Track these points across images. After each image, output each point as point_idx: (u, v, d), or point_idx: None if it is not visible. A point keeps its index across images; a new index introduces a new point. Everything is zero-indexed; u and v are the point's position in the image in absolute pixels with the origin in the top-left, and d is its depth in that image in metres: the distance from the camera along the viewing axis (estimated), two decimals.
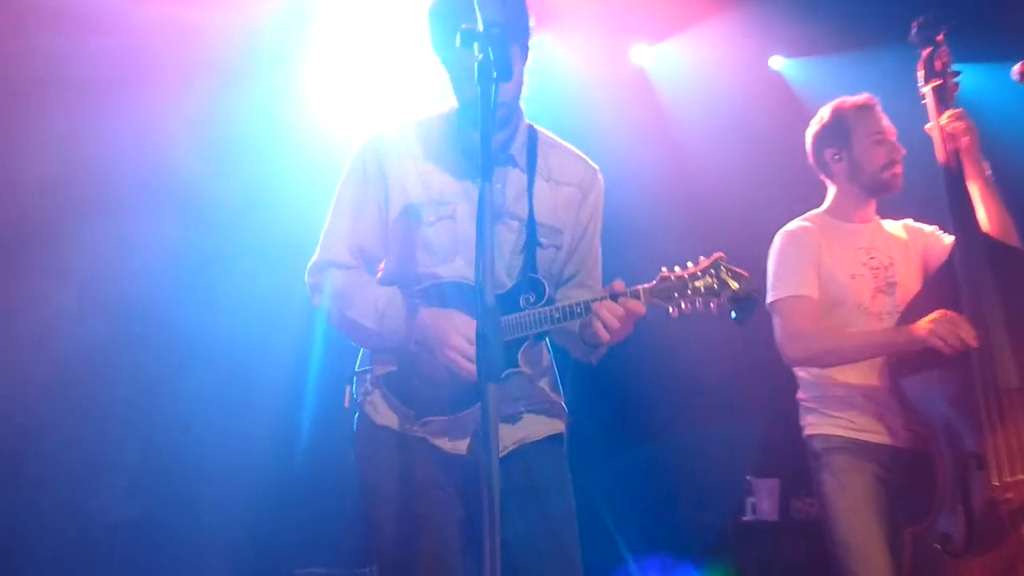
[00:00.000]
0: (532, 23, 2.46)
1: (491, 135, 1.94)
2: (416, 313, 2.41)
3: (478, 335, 1.90)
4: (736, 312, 2.36)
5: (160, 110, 3.78)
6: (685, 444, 5.03)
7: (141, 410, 3.86)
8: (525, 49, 2.45)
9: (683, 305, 2.36)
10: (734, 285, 2.35)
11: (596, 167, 2.65)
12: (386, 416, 2.51)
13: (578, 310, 2.37)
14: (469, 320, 2.36)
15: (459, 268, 2.44)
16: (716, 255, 2.40)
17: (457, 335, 2.34)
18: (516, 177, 2.52)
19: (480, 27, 1.95)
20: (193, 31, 3.83)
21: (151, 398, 3.88)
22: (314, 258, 2.58)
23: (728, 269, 2.37)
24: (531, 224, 2.49)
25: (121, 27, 3.74)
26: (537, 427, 2.57)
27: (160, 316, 3.84)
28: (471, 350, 2.32)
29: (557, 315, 2.38)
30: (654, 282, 2.38)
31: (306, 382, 4.10)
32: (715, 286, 2.36)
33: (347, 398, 2.56)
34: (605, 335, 2.34)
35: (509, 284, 2.46)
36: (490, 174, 1.93)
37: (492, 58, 1.92)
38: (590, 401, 4.14)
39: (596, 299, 2.37)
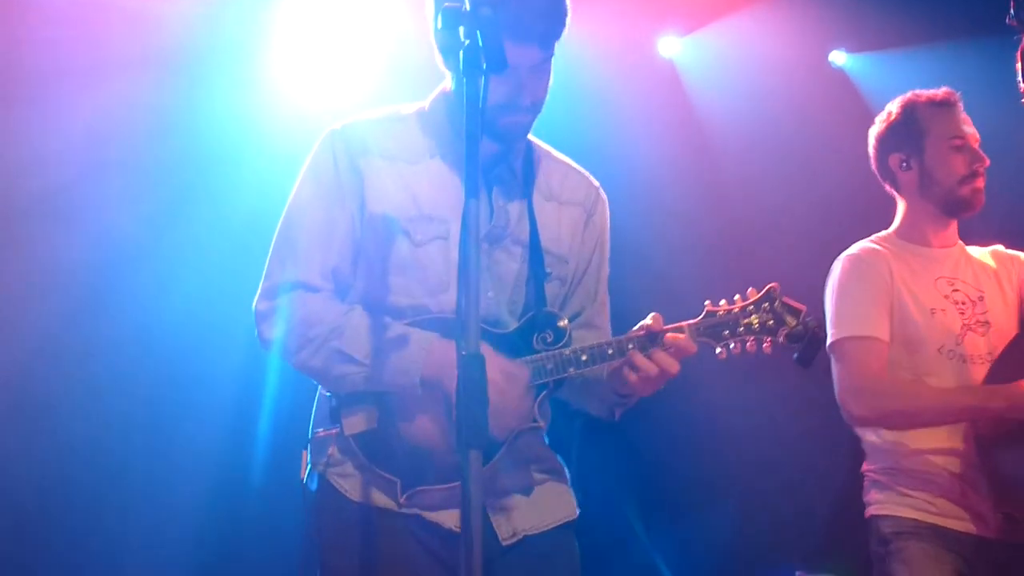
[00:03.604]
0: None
1: (478, 140, 1.91)
2: (414, 345, 2.25)
3: (458, 392, 1.81)
4: (798, 353, 2.34)
5: (115, 102, 3.94)
6: (716, 525, 4.80)
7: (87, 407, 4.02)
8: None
9: (732, 345, 2.33)
10: (791, 321, 2.34)
11: (598, 184, 2.58)
12: (363, 490, 2.32)
13: (610, 352, 2.28)
14: (504, 359, 2.24)
15: (453, 300, 2.28)
16: (769, 286, 2.37)
17: (496, 372, 2.15)
18: (518, 194, 2.43)
19: (467, 6, 1.89)
20: (150, 20, 3.99)
21: (99, 395, 4.03)
22: (267, 281, 2.36)
23: (783, 303, 2.35)
24: (535, 249, 2.41)
25: (74, 18, 3.92)
26: (550, 507, 2.43)
27: (111, 312, 4.03)
28: (514, 392, 2.22)
29: (585, 357, 2.29)
30: (700, 318, 2.34)
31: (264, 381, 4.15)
32: (770, 322, 2.34)
33: (303, 468, 2.37)
34: (644, 383, 2.26)
35: (513, 323, 2.37)
36: (477, 190, 1.88)
37: (481, 45, 1.87)
38: (597, 475, 4.04)
39: (634, 337, 2.28)
